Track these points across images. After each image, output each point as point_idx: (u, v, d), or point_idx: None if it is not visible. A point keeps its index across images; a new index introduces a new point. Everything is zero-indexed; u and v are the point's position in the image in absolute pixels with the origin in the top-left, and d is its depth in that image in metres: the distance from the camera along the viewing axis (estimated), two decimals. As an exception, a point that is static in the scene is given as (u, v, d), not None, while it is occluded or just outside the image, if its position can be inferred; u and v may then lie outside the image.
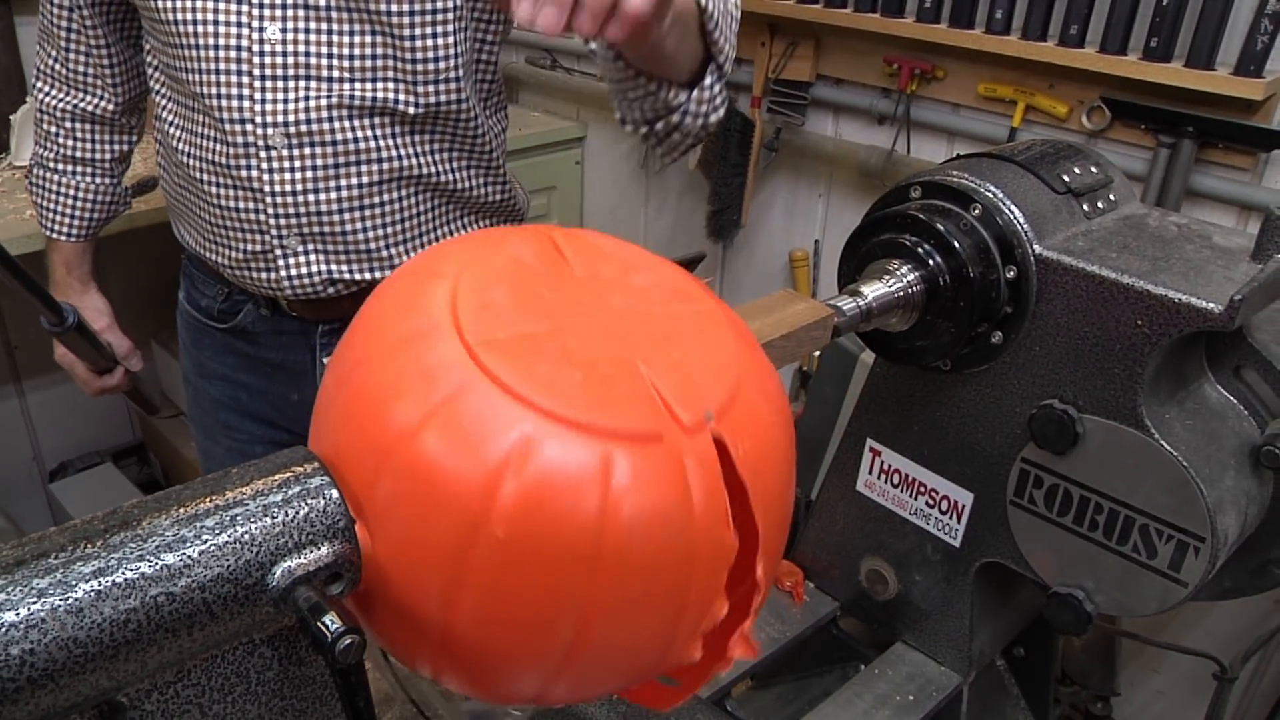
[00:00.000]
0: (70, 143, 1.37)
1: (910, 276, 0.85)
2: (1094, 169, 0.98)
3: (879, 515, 1.05)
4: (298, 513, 0.48)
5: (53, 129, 1.37)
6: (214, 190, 1.18)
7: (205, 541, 0.46)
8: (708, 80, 1.00)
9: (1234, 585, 0.98)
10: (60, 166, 1.39)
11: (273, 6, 1.08)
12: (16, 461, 2.58)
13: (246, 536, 0.46)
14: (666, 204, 2.37)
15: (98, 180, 1.40)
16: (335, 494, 0.49)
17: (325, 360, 1.30)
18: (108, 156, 1.40)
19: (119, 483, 2.57)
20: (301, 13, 1.09)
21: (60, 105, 1.35)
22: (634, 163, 2.40)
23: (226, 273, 1.25)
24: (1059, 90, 1.65)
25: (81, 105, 1.35)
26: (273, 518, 0.47)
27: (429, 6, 1.10)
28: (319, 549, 0.48)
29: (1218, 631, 1.67)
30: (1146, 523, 0.85)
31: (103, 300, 1.49)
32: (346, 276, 1.20)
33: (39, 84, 1.36)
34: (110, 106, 1.36)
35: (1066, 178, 0.93)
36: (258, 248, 1.19)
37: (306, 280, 1.19)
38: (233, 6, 1.09)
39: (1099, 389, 0.85)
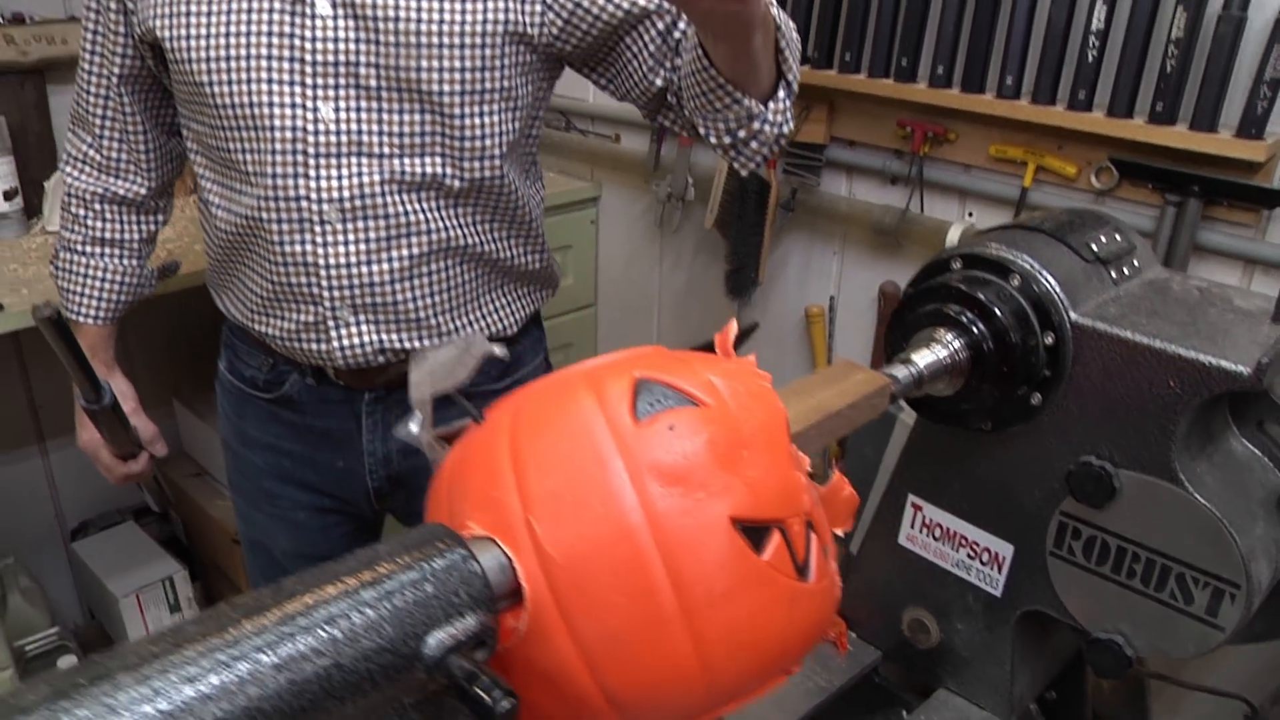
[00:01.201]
0: (100, 224, 1.40)
1: (956, 344, 0.90)
2: (1118, 237, 1.03)
3: (921, 567, 1.10)
4: (447, 586, 0.52)
5: (82, 211, 1.39)
6: (266, 265, 1.22)
7: (367, 614, 0.50)
8: (780, 94, 1.12)
9: (1264, 628, 1.03)
10: (88, 249, 1.40)
11: (326, 87, 1.14)
12: (39, 520, 2.60)
13: (404, 609, 0.51)
14: (681, 262, 2.43)
15: (125, 261, 1.42)
16: (478, 567, 0.54)
17: (369, 426, 1.34)
18: (136, 237, 1.43)
19: (141, 541, 2.59)
20: (353, 92, 1.14)
21: (92, 189, 1.38)
22: (649, 221, 2.46)
23: (276, 344, 1.29)
24: (1068, 151, 1.71)
25: (114, 189, 1.38)
26: (425, 591, 0.52)
27: (476, 88, 1.16)
28: (467, 619, 0.52)
29: (1243, 672, 1.71)
30: (1183, 571, 0.89)
31: (127, 384, 1.51)
32: (396, 345, 1.25)
33: (69, 169, 1.39)
34: (143, 191, 1.40)
35: (1094, 246, 0.99)
36: (310, 319, 1.23)
37: (358, 350, 1.24)
38: (287, 89, 1.14)
39: (1134, 446, 0.90)
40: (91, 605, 2.65)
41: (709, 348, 0.78)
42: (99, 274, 1.41)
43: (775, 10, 1.05)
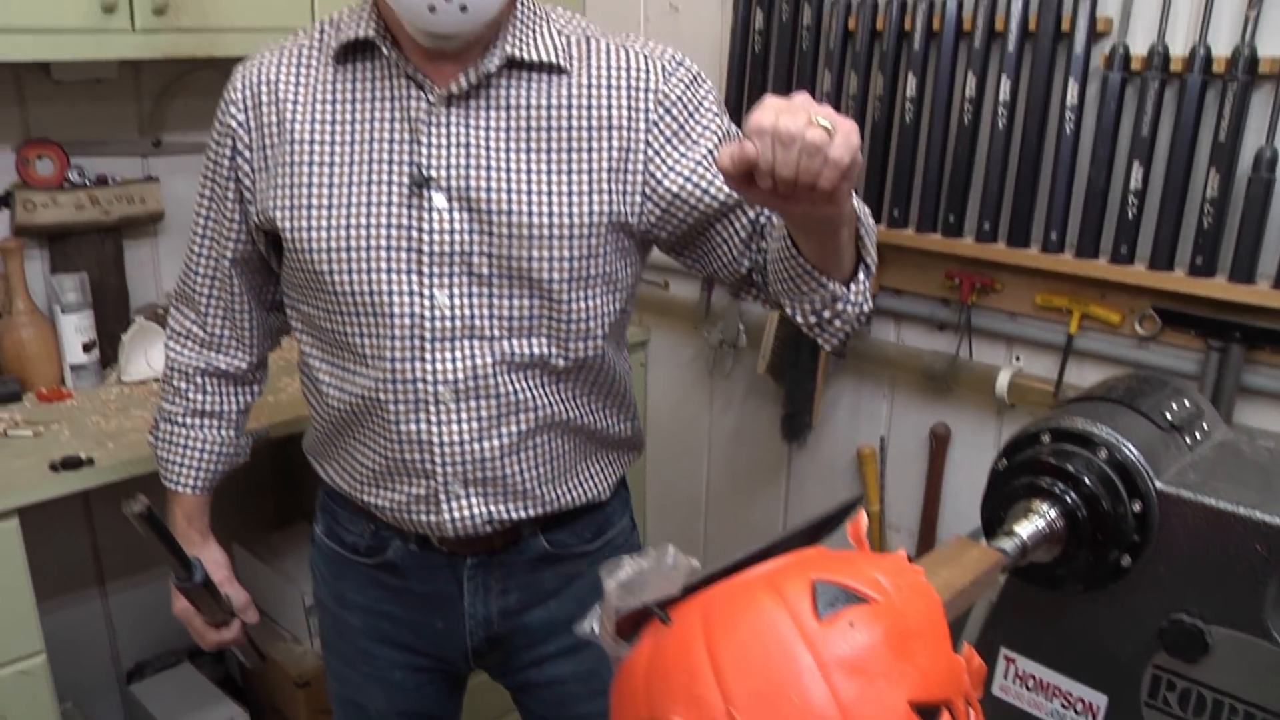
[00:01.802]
0: (200, 397, 1.46)
1: (1052, 514, 0.98)
2: (1186, 403, 1.11)
3: (1015, 715, 1.15)
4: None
5: (183, 385, 1.46)
6: (380, 441, 1.29)
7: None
8: (860, 277, 1.18)
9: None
10: (188, 420, 1.46)
11: (442, 275, 1.22)
12: (96, 663, 2.62)
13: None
14: (731, 405, 2.52)
15: (223, 432, 1.49)
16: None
17: (471, 590, 1.39)
18: (235, 409, 1.49)
19: (198, 683, 2.61)
20: (466, 279, 1.22)
21: (194, 364, 1.44)
22: (699, 366, 2.54)
23: (384, 514, 1.35)
24: (1111, 300, 1.80)
25: (216, 363, 1.45)
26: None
27: (582, 274, 1.24)
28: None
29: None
30: (1280, 723, 0.95)
31: (221, 553, 1.56)
32: (504, 516, 1.31)
33: (172, 344, 1.46)
34: (244, 365, 1.46)
35: (1168, 415, 1.07)
36: (422, 492, 1.29)
37: (468, 521, 1.30)
38: (405, 277, 1.22)
39: (1224, 604, 0.96)
40: (148, 750, 2.66)
41: (826, 523, 0.85)
42: (198, 445, 1.47)
43: (855, 200, 1.14)
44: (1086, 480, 0.98)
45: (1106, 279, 1.74)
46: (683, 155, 1.24)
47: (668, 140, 1.24)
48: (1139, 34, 1.71)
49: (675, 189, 1.24)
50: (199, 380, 1.46)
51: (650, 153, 1.24)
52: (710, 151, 1.25)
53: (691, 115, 1.26)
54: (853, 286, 1.18)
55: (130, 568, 2.56)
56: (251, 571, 2.59)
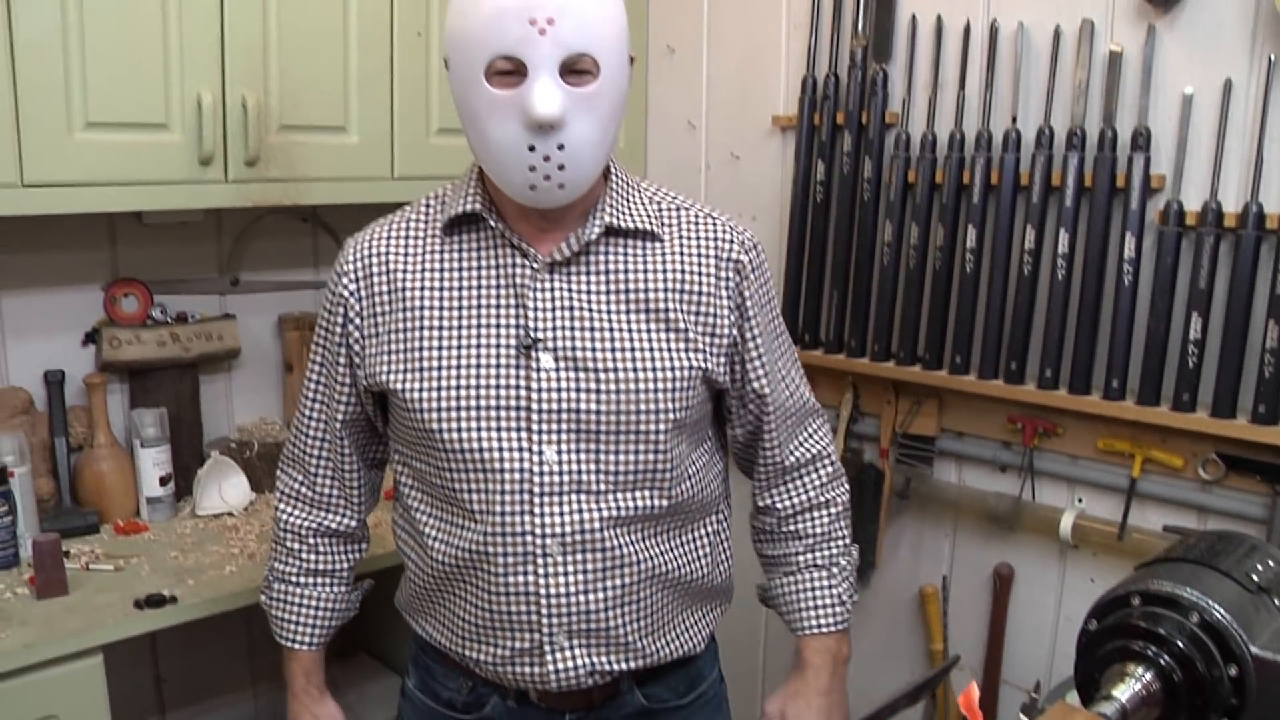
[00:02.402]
0: (313, 557, 1.50)
1: (1147, 677, 1.00)
2: (1271, 562, 1.14)
3: None
4: None
5: (296, 545, 1.50)
6: (485, 595, 1.32)
7: None
8: None
9: None
10: (302, 580, 1.50)
11: (550, 432, 1.27)
12: (151, 797, 2.62)
13: None
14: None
15: (335, 589, 1.52)
16: None
17: None
18: (345, 566, 1.53)
19: (253, 816, 2.61)
20: (574, 436, 1.28)
21: (304, 525, 1.49)
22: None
23: (484, 669, 1.37)
24: (1173, 445, 1.83)
25: (325, 522, 1.49)
26: None
27: (682, 423, 1.31)
28: None
29: None
30: None
31: (337, 708, 1.58)
32: (605, 668, 1.33)
33: (282, 505, 1.51)
34: (353, 523, 1.51)
35: (1255, 576, 1.09)
36: (526, 645, 1.32)
37: (572, 674, 1.32)
38: (513, 435, 1.27)
39: (1328, 771, 0.98)
40: None
41: (927, 684, 0.88)
42: (313, 603, 1.50)
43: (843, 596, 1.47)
44: (1179, 643, 1.00)
45: (1169, 425, 1.78)
46: (746, 321, 1.37)
47: (739, 305, 1.36)
48: (1192, 191, 1.77)
49: (740, 351, 1.38)
50: (311, 540, 1.50)
51: (727, 313, 1.34)
52: (766, 330, 1.41)
53: (758, 291, 1.39)
54: None
55: (190, 698, 2.58)
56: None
